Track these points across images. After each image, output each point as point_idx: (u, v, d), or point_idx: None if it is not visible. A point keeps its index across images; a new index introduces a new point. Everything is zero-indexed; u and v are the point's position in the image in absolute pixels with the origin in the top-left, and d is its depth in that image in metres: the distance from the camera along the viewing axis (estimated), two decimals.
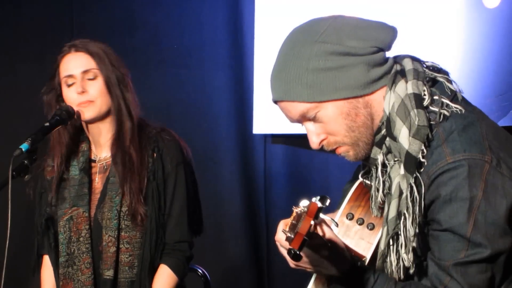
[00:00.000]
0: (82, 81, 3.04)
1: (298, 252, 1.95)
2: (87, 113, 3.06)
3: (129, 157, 3.06)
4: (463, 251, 2.08)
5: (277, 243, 2.17)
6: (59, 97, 3.12)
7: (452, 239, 2.09)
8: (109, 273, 3.04)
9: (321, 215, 2.08)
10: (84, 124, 3.16)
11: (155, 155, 3.11)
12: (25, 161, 2.73)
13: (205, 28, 4.84)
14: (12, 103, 4.72)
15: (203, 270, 3.55)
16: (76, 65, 3.07)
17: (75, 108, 3.04)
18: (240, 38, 4.84)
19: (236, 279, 4.87)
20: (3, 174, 2.65)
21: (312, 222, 1.97)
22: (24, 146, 2.71)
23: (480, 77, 4.46)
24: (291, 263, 2.15)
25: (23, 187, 2.79)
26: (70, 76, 3.06)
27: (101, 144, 3.16)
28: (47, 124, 2.88)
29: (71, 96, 3.06)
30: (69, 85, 3.06)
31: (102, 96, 3.07)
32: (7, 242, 2.60)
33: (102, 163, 3.16)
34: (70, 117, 2.97)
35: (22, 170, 2.71)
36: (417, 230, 2.15)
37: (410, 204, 2.14)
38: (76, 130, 3.17)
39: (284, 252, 2.09)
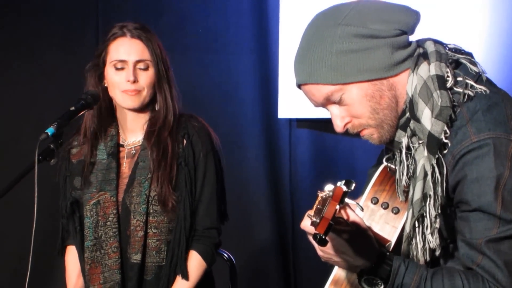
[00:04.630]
0: (134, 69, 3.05)
1: (323, 237, 1.93)
2: (131, 102, 3.08)
3: (165, 148, 3.08)
4: (495, 229, 2.08)
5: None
6: (101, 75, 3.13)
7: (482, 218, 2.09)
8: (136, 257, 3.06)
9: (346, 200, 2.08)
10: (117, 108, 3.18)
11: (185, 141, 3.12)
12: (51, 145, 2.73)
13: (230, 12, 4.82)
14: (37, 88, 4.75)
15: (229, 254, 3.55)
16: (130, 51, 3.07)
17: (119, 94, 3.07)
18: (265, 22, 4.82)
19: (262, 264, 4.88)
20: (29, 158, 2.66)
21: (338, 207, 1.96)
22: (50, 130, 2.72)
23: (507, 61, 4.43)
24: (319, 250, 2.15)
25: (50, 171, 2.80)
26: (122, 61, 3.06)
27: (132, 129, 3.17)
28: (73, 108, 2.88)
29: (118, 80, 3.07)
30: (117, 69, 3.07)
31: (150, 87, 3.09)
32: (34, 226, 2.61)
33: (131, 148, 3.16)
34: (95, 101, 2.97)
35: (48, 154, 2.72)
36: (439, 211, 2.15)
37: (431, 185, 2.14)
38: (106, 114, 3.19)
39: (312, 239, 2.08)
